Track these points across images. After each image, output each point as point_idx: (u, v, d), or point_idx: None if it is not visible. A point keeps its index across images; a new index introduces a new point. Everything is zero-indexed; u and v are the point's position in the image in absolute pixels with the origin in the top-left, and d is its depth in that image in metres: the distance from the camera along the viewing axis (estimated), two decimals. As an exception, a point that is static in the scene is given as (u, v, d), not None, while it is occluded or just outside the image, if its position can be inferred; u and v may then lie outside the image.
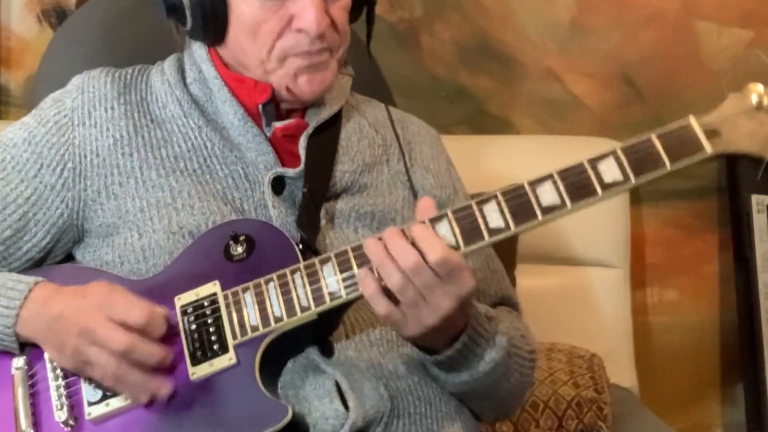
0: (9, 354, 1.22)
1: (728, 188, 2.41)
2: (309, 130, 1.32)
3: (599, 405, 1.82)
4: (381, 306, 1.13)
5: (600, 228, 2.10)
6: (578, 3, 2.32)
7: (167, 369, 1.17)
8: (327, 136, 1.36)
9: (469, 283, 1.12)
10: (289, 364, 1.21)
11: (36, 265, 1.33)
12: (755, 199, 2.33)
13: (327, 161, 1.34)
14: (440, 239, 1.12)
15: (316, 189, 1.30)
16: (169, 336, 1.18)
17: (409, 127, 1.47)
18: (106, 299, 1.16)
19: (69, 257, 1.35)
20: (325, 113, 1.35)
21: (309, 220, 1.28)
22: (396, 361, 1.26)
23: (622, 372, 2.06)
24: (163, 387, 1.16)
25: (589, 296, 2.11)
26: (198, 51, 1.36)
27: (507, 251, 1.88)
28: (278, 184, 1.29)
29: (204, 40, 1.34)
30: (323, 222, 1.30)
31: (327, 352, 1.22)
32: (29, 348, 1.22)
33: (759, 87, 1.15)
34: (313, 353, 1.21)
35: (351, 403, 1.17)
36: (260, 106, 1.30)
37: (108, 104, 1.34)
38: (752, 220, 2.33)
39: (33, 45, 2.10)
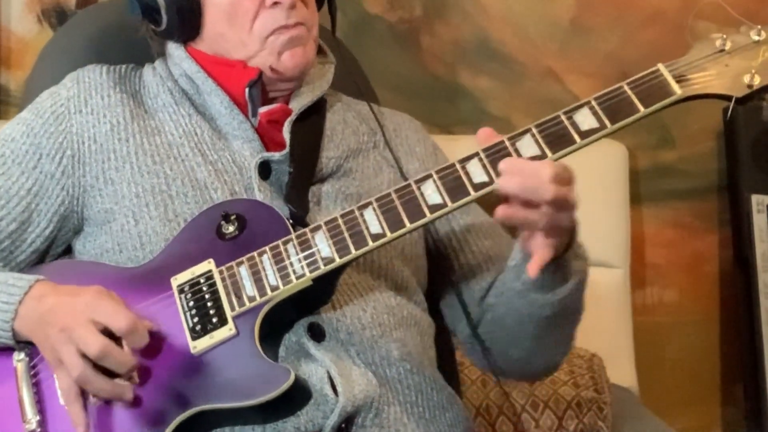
0: (9, 348, 1.22)
1: (728, 188, 2.41)
2: (293, 115, 1.35)
3: (599, 405, 1.82)
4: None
5: (600, 228, 2.10)
6: (578, 3, 2.32)
7: (168, 347, 1.18)
8: (312, 123, 1.38)
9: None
10: (282, 352, 1.22)
11: (40, 256, 1.34)
12: (755, 199, 2.33)
13: (312, 147, 1.37)
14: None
15: (302, 171, 1.33)
16: (168, 315, 1.20)
17: (393, 117, 1.50)
18: (93, 300, 1.17)
19: (69, 250, 1.37)
20: (308, 98, 1.37)
21: (298, 197, 1.30)
22: (388, 347, 1.27)
23: (622, 372, 2.06)
24: (127, 392, 1.16)
25: (589, 296, 2.10)
26: (176, 52, 1.38)
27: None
28: (264, 170, 1.32)
29: (180, 37, 1.37)
30: (310, 204, 1.32)
31: (318, 335, 1.23)
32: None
33: (720, 34, 1.26)
34: (304, 338, 1.22)
35: (340, 388, 1.19)
36: (247, 90, 1.32)
37: (104, 92, 1.37)
38: (752, 220, 2.33)
39: (33, 45, 2.10)
